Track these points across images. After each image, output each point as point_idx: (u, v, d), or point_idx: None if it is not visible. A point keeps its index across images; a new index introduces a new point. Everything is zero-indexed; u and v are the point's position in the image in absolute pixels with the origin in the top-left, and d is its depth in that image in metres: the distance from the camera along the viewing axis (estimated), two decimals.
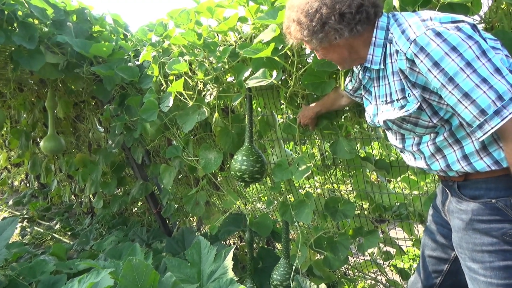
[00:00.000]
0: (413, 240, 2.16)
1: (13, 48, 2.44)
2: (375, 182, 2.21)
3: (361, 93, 1.54)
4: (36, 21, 2.45)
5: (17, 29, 2.28)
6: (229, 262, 1.87)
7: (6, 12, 2.21)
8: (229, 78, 2.20)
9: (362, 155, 2.13)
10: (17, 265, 2.56)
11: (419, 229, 2.22)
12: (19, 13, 2.31)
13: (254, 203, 3.00)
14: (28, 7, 2.35)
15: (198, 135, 2.67)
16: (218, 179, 2.95)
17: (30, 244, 4.31)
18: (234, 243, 3.36)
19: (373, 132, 2.01)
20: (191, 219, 3.63)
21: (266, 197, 2.76)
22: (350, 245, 2.13)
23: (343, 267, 2.72)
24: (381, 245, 2.36)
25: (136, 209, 4.54)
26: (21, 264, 2.57)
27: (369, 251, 2.36)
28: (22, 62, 2.39)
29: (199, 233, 3.32)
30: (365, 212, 2.30)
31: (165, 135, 2.81)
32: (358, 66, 1.49)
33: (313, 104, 1.87)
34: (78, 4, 2.69)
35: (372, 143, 2.11)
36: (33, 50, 2.39)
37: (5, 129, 4.83)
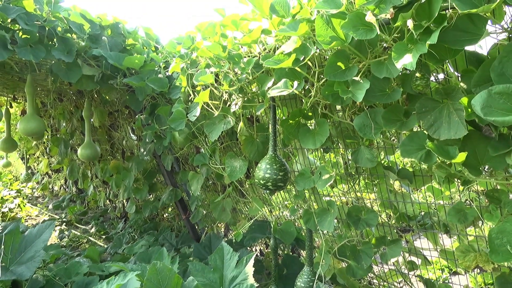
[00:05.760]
0: (438, 250, 2.11)
1: (53, 62, 2.58)
2: (399, 191, 2.18)
3: None
4: (74, 36, 2.59)
5: (57, 44, 2.42)
6: (250, 268, 1.89)
7: (47, 29, 2.36)
8: (254, 89, 2.24)
9: (386, 164, 2.11)
10: (54, 266, 2.69)
11: (444, 239, 2.17)
12: (59, 29, 2.45)
13: (280, 210, 3.02)
14: (67, 23, 2.49)
15: (225, 143, 2.72)
16: (245, 186, 2.98)
17: (68, 247, 4.49)
18: (260, 250, 3.38)
19: (396, 141, 2.00)
20: (218, 225, 3.69)
21: (292, 205, 2.77)
22: (373, 254, 2.09)
23: (367, 276, 2.68)
24: (406, 254, 2.32)
25: (166, 214, 4.65)
26: (58, 266, 2.69)
27: (393, 260, 2.33)
28: (61, 74, 2.53)
29: (225, 239, 3.36)
30: (389, 221, 2.27)
31: (193, 143, 2.88)
32: None
33: None
34: (113, 19, 2.82)
35: (395, 152, 2.09)
36: (71, 63, 2.52)
37: (46, 137, 5.09)
